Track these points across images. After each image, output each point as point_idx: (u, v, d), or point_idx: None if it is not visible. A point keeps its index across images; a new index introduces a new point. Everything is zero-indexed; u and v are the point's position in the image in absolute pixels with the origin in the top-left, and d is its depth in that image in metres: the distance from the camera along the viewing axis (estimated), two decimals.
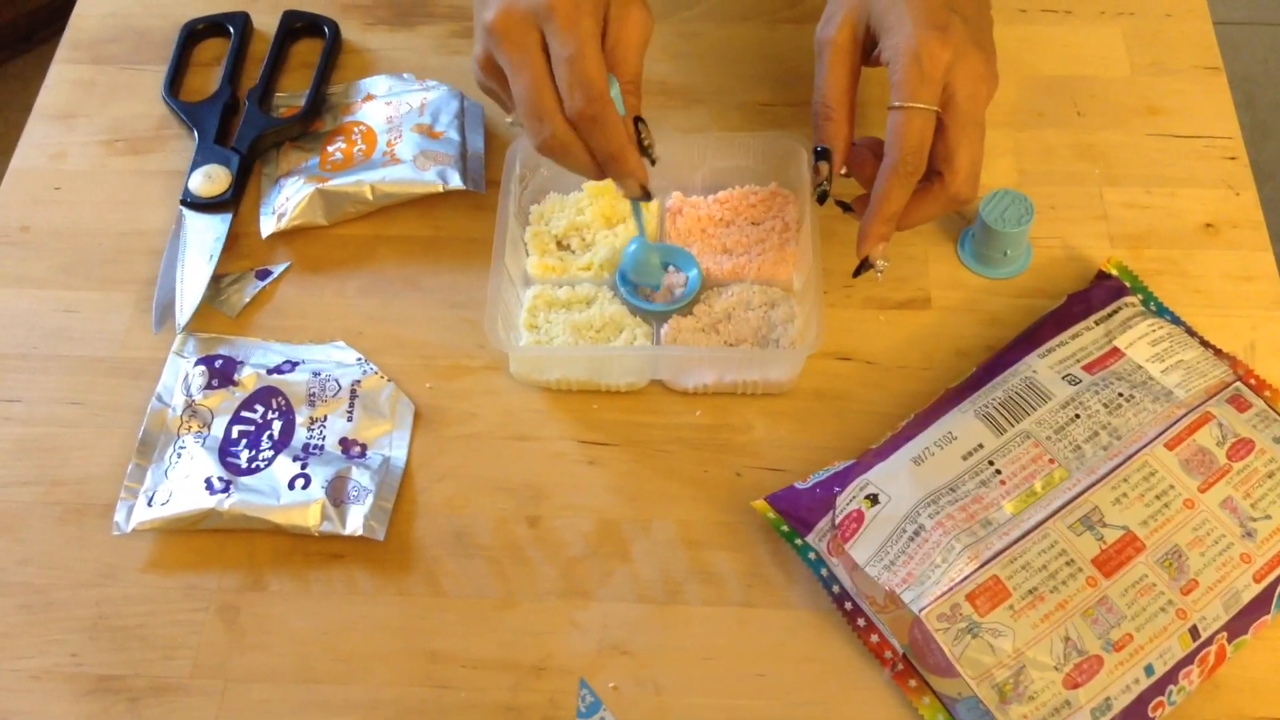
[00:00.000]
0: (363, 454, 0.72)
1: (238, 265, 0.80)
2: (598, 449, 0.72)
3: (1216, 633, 0.62)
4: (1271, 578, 0.63)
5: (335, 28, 0.90)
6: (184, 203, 0.81)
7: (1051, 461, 0.65)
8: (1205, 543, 0.63)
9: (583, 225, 0.78)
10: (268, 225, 0.81)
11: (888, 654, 0.64)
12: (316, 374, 0.74)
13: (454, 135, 0.83)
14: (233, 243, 0.81)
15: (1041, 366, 0.69)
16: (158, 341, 0.77)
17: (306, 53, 0.90)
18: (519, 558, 0.68)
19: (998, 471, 0.65)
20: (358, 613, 0.67)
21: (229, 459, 0.71)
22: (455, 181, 0.80)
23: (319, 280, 0.80)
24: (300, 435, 0.72)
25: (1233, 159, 0.82)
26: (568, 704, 0.64)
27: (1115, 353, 0.70)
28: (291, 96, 0.87)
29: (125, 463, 0.71)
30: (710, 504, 0.70)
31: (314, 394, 0.73)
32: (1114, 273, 0.76)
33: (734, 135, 0.81)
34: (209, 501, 0.68)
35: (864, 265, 0.71)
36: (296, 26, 0.91)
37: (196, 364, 0.75)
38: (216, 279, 0.79)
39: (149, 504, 0.69)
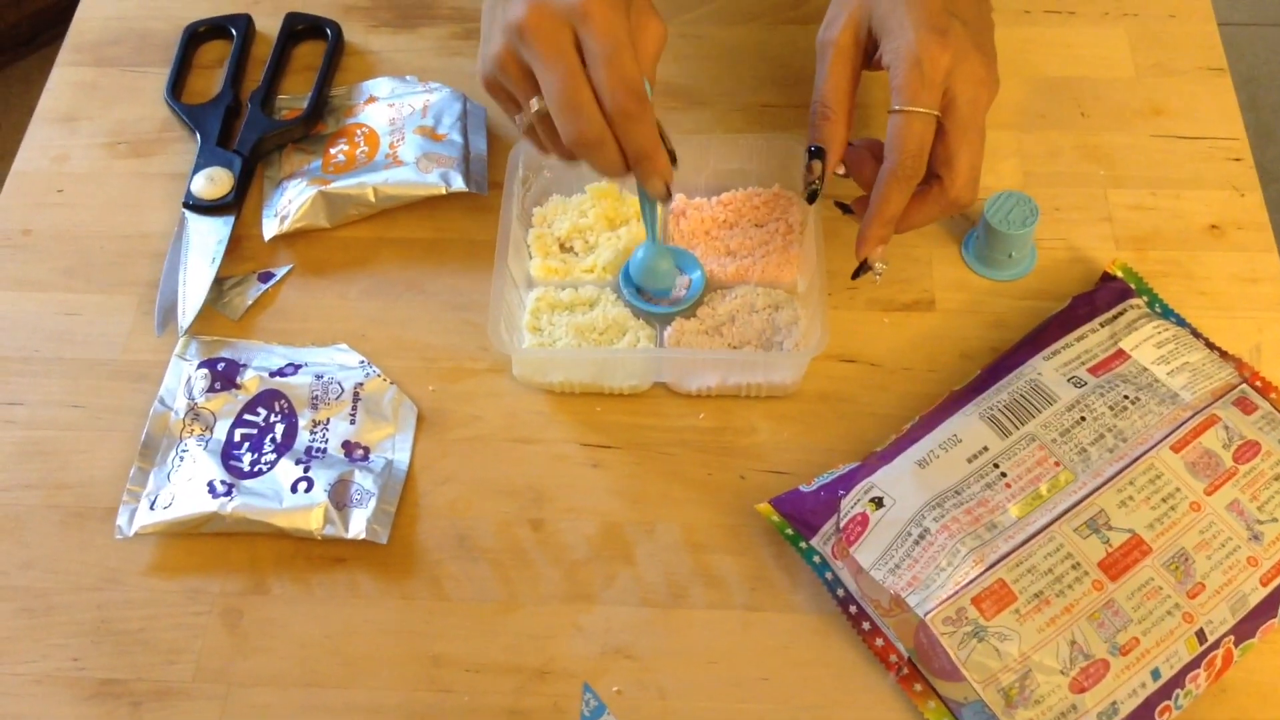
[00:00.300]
0: (365, 457, 0.71)
1: (240, 268, 0.80)
2: (601, 452, 0.72)
3: (1223, 636, 0.61)
4: (1278, 581, 0.63)
5: (338, 30, 0.90)
6: (186, 205, 0.81)
7: (1057, 464, 0.65)
8: (1212, 546, 0.63)
9: (585, 227, 0.78)
10: (270, 228, 0.81)
11: (893, 658, 0.63)
12: (319, 377, 0.74)
13: (457, 137, 0.83)
14: (235, 245, 0.81)
15: (1047, 369, 0.69)
16: (160, 344, 0.77)
17: (309, 55, 0.90)
18: (522, 561, 0.68)
19: (1003, 474, 0.65)
20: (360, 616, 0.67)
21: (231, 462, 0.70)
22: (458, 184, 0.80)
23: (321, 283, 0.79)
24: (303, 438, 0.72)
25: (1238, 160, 0.82)
26: (571, 708, 0.64)
27: (1120, 355, 0.70)
28: (294, 99, 0.87)
29: (127, 466, 0.71)
30: (714, 507, 0.70)
31: (316, 397, 0.73)
32: (1119, 274, 0.76)
33: (737, 137, 0.80)
34: (211, 505, 0.68)
35: (863, 267, 0.71)
36: (299, 29, 0.90)
37: (199, 367, 0.75)
38: (219, 282, 0.79)
39: (151, 507, 0.69)
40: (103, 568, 0.69)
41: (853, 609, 0.65)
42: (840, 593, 0.65)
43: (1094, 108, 0.85)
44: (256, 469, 0.70)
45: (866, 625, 0.64)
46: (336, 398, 0.73)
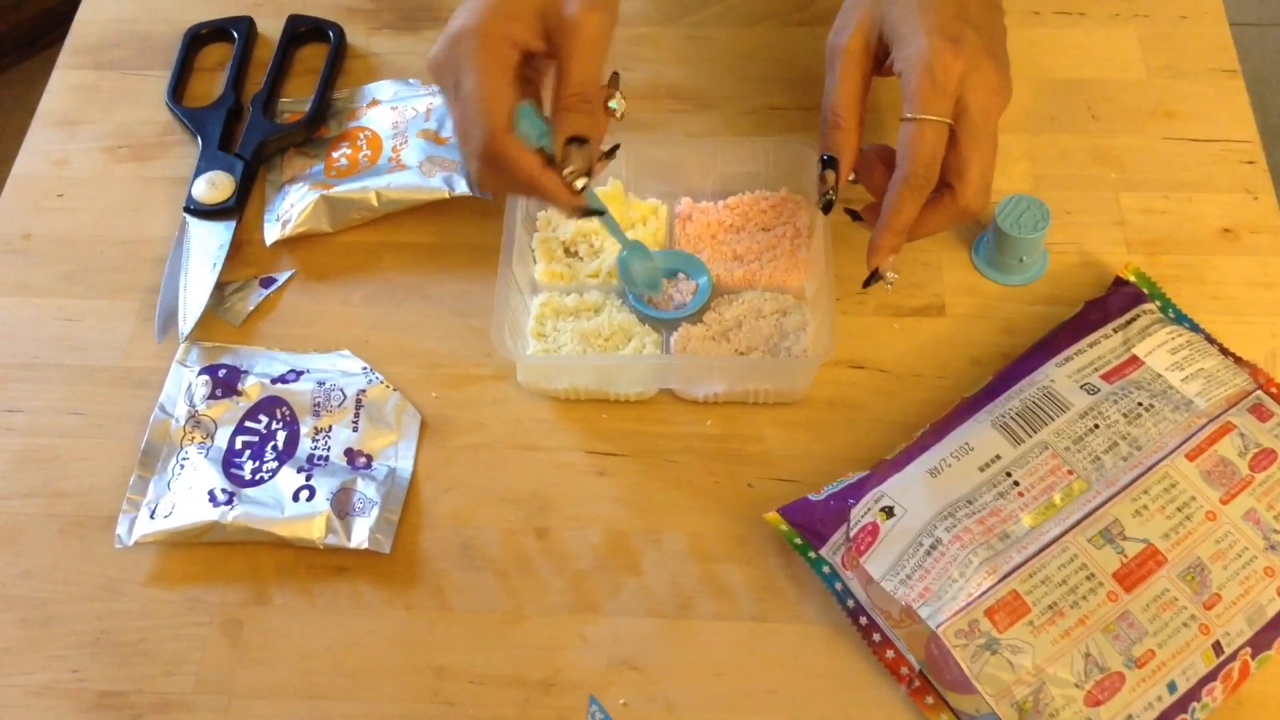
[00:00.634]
0: (368, 465, 0.71)
1: (241, 273, 0.79)
2: (607, 459, 0.71)
3: (1240, 648, 0.60)
4: None
5: (340, 32, 0.89)
6: (187, 210, 0.80)
7: (1070, 473, 0.64)
8: (1228, 556, 0.62)
9: (590, 232, 0.77)
10: (272, 232, 0.80)
11: (904, 670, 0.63)
12: (321, 383, 0.73)
13: None
14: (236, 250, 0.80)
15: (1059, 375, 0.68)
16: (161, 350, 0.76)
17: (311, 58, 0.89)
18: (527, 570, 0.67)
19: (1016, 483, 0.64)
20: (363, 627, 0.66)
21: (232, 470, 0.70)
22: (461, 188, 0.79)
23: (324, 288, 0.79)
24: (305, 446, 0.71)
25: (1250, 163, 0.81)
26: None
27: (1134, 361, 0.69)
28: (296, 102, 0.86)
29: (127, 474, 0.70)
30: (721, 516, 0.69)
31: (319, 404, 0.72)
32: (1131, 279, 0.75)
33: (744, 140, 0.79)
34: (212, 514, 0.67)
35: (874, 276, 0.70)
36: (301, 31, 0.90)
37: (200, 373, 0.74)
38: (220, 287, 0.78)
39: (151, 516, 0.68)
40: (102, 577, 0.68)
41: (863, 620, 0.64)
42: (850, 603, 0.64)
43: (1105, 110, 0.84)
44: (258, 477, 0.69)
45: (877, 637, 0.63)
46: (339, 405, 0.72)
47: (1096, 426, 0.65)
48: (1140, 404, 0.66)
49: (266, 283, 0.79)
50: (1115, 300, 0.72)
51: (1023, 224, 0.74)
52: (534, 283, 0.76)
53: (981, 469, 0.64)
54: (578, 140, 0.63)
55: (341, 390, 0.73)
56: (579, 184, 0.64)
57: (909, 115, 0.66)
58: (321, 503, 0.68)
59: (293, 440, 0.71)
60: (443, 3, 0.92)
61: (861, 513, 0.64)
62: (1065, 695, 0.58)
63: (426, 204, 0.79)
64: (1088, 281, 0.76)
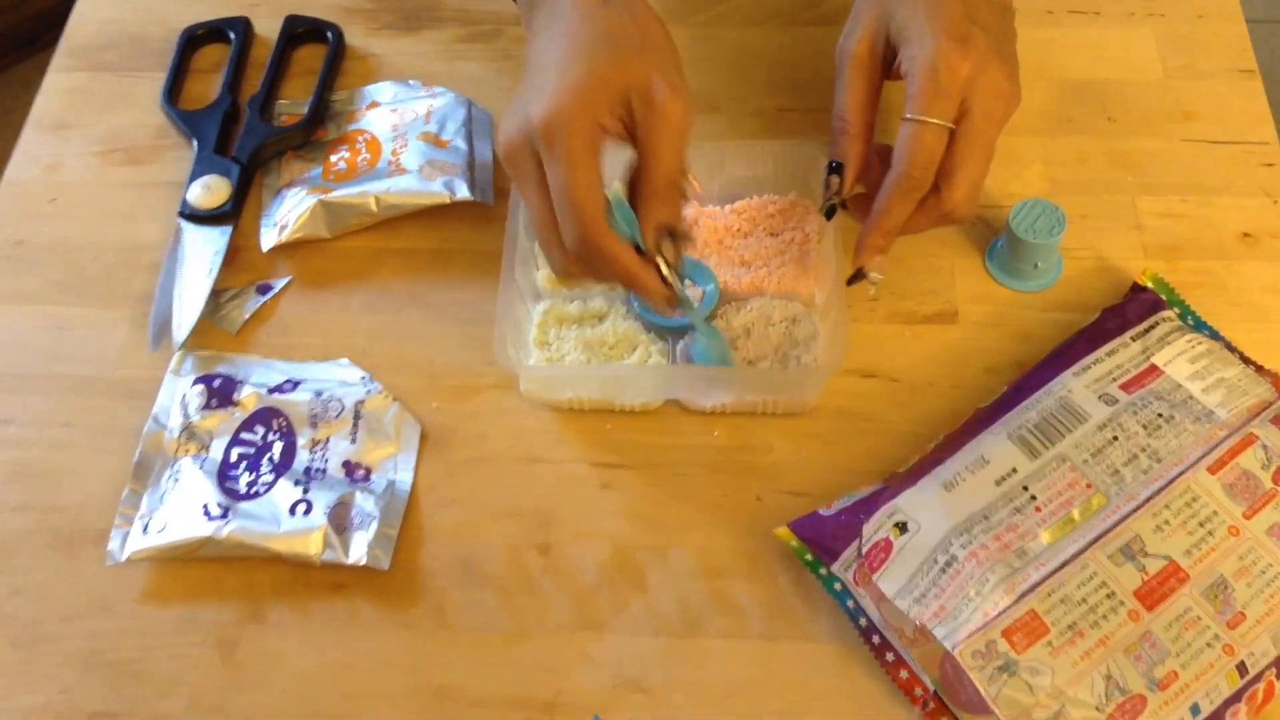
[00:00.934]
0: (367, 478, 0.69)
1: (238, 280, 0.77)
2: (612, 472, 0.69)
3: (1265, 669, 0.59)
4: None
5: (339, 33, 0.88)
6: (182, 215, 0.79)
7: (1089, 486, 0.62)
8: (1251, 573, 0.60)
9: None
10: (269, 238, 0.78)
11: (918, 691, 0.61)
12: (319, 394, 0.71)
13: (461, 144, 0.80)
14: (232, 256, 0.78)
15: (1076, 385, 0.66)
16: (155, 360, 0.74)
17: (309, 59, 0.88)
18: (530, 588, 0.66)
19: (1033, 498, 0.62)
20: (361, 646, 0.64)
21: (228, 483, 0.68)
22: (463, 192, 0.77)
23: (322, 295, 0.77)
24: (302, 458, 0.69)
25: (1270, 165, 0.79)
26: None
27: (1153, 370, 0.67)
28: (293, 104, 0.85)
29: (120, 488, 0.69)
30: (730, 530, 0.67)
31: (316, 415, 0.71)
32: (1149, 285, 0.73)
33: (752, 144, 0.77)
34: (206, 529, 0.65)
35: (858, 275, 0.68)
36: (299, 32, 0.88)
37: (194, 383, 0.72)
38: (216, 294, 0.76)
39: (144, 532, 0.66)
40: (94, 595, 0.66)
41: (876, 639, 0.62)
42: (863, 622, 0.62)
43: (1121, 112, 0.82)
44: (253, 490, 0.67)
45: (890, 656, 0.62)
46: (337, 415, 0.71)
47: (1115, 438, 0.64)
48: (1160, 415, 0.64)
49: (263, 290, 0.77)
50: (1133, 307, 0.71)
51: (1038, 229, 0.72)
52: (537, 289, 0.74)
53: (998, 483, 0.63)
54: (667, 230, 0.62)
55: (340, 400, 0.71)
56: (670, 278, 0.63)
57: (909, 116, 0.65)
58: (319, 517, 0.66)
59: (289, 452, 0.69)
60: (444, 2, 0.90)
61: (874, 528, 0.62)
62: (1086, 718, 0.56)
63: (427, 209, 0.78)
64: (1104, 287, 0.75)
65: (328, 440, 0.70)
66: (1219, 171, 0.79)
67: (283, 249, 0.78)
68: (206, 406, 0.71)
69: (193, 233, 0.78)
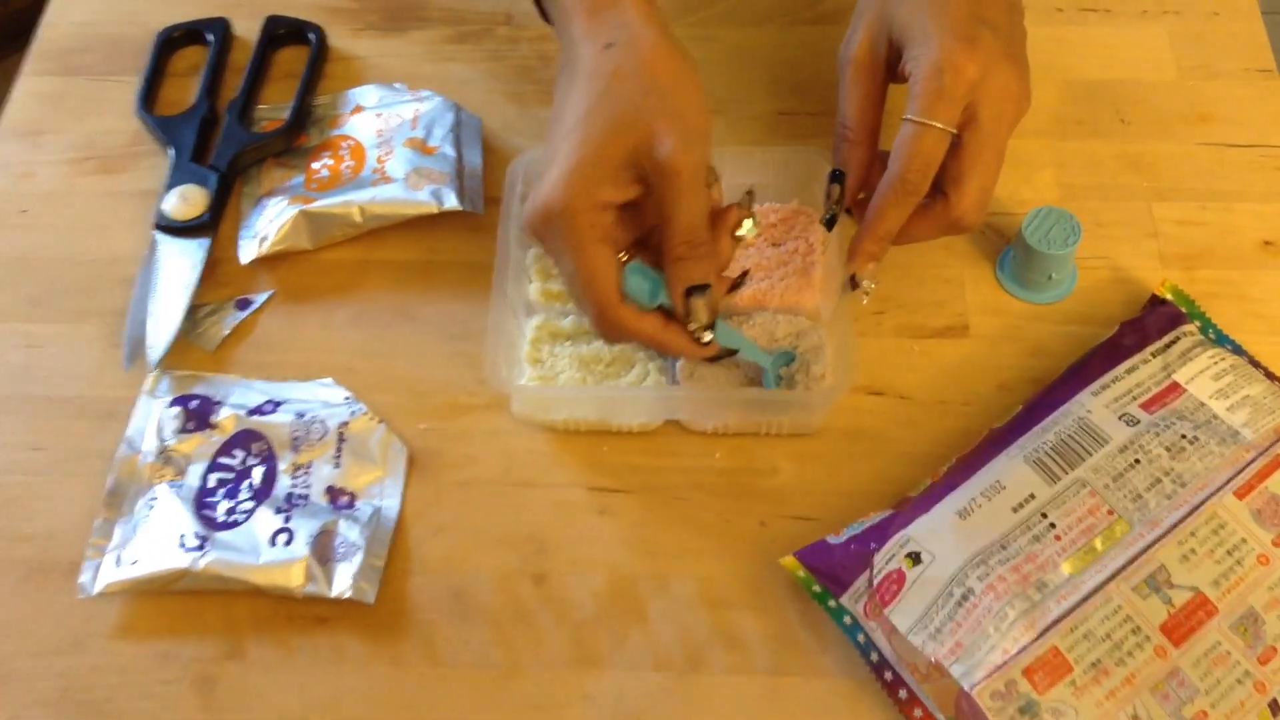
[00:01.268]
0: (351, 504, 0.66)
1: (216, 294, 0.74)
2: (609, 496, 0.66)
3: None
4: None
5: (321, 34, 0.84)
6: (158, 226, 0.75)
7: (1111, 513, 0.59)
8: None
9: None
10: (248, 250, 0.75)
11: None
12: (301, 415, 0.68)
13: (449, 151, 0.77)
14: (211, 270, 0.75)
15: (1095, 405, 0.63)
16: (129, 379, 0.71)
17: (290, 61, 0.84)
18: (524, 621, 0.62)
19: (1052, 525, 0.59)
20: (346, 685, 0.61)
21: (205, 511, 0.65)
22: (451, 201, 0.74)
23: (304, 310, 0.74)
24: (283, 484, 0.66)
25: None
26: None
27: (1175, 388, 0.64)
28: (274, 109, 0.81)
29: (92, 515, 0.65)
30: (733, 558, 0.64)
31: (298, 437, 0.67)
32: (1169, 297, 0.70)
33: (752, 150, 0.74)
34: (183, 560, 0.62)
35: (850, 282, 0.66)
36: (279, 33, 0.85)
37: (170, 405, 0.69)
38: (193, 310, 0.73)
39: (118, 563, 0.63)
40: (65, 630, 0.63)
41: (888, 675, 0.59)
42: (874, 657, 0.59)
43: (1135, 114, 0.79)
44: (232, 519, 0.64)
45: (903, 693, 0.59)
46: (320, 438, 0.67)
47: (1137, 461, 0.61)
48: (1184, 436, 0.61)
49: (243, 305, 0.74)
50: (1153, 321, 0.68)
51: (1052, 239, 0.69)
52: (529, 303, 0.71)
53: (1015, 510, 0.60)
54: (697, 289, 0.59)
55: (323, 422, 0.68)
56: (705, 338, 0.61)
57: (909, 117, 0.62)
58: (301, 547, 0.63)
59: (270, 478, 0.66)
60: (431, 1, 0.87)
61: (885, 559, 0.59)
62: None
63: (413, 219, 0.74)
64: (1120, 299, 0.72)
65: (310, 464, 0.67)
66: (1237, 176, 0.76)
67: (263, 261, 0.75)
68: (183, 429, 0.68)
69: (169, 245, 0.75)
